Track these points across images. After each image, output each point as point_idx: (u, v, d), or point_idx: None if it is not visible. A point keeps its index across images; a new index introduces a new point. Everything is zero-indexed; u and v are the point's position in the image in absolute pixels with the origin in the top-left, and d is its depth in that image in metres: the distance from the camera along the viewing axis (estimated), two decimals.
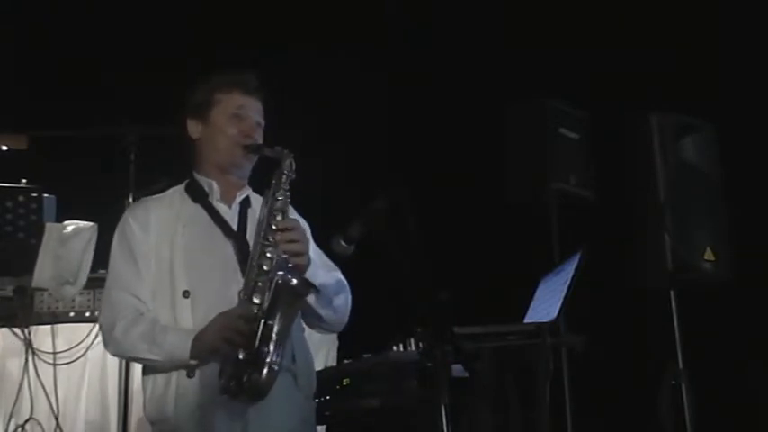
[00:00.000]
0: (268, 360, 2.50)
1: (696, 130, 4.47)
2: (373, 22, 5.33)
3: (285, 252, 2.60)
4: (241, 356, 2.50)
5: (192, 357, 2.57)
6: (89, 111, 4.57)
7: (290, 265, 2.61)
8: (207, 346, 2.55)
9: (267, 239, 2.62)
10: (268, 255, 2.60)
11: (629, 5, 5.06)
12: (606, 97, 4.93)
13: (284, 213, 2.66)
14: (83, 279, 3.78)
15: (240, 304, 2.57)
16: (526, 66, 5.11)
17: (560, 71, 5.06)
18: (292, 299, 2.56)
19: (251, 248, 2.66)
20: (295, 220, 2.71)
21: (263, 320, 2.52)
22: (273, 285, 2.54)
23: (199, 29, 5.20)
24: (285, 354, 2.58)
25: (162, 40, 5.07)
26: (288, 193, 2.69)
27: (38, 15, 5.09)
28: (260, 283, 2.57)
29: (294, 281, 2.55)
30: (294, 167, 2.70)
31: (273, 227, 2.62)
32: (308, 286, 2.59)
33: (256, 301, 2.55)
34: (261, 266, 2.59)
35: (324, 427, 3.70)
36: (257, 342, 2.50)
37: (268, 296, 2.54)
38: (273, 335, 2.51)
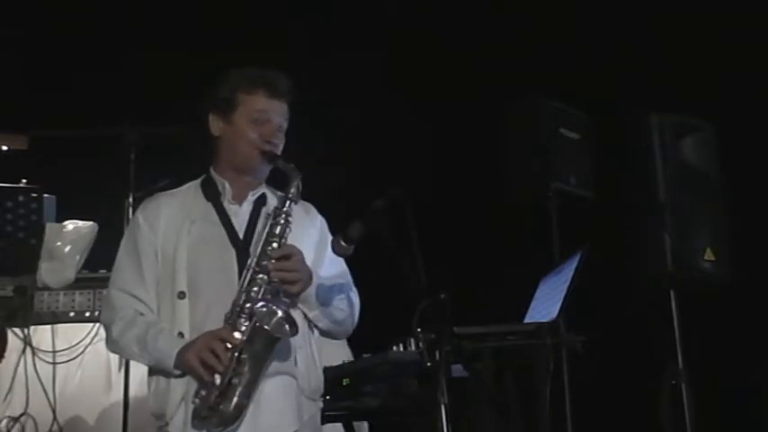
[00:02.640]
0: (237, 393, 2.51)
1: (696, 130, 4.47)
2: (373, 21, 5.33)
3: (278, 280, 2.59)
4: (217, 382, 2.51)
5: (175, 367, 2.58)
6: (89, 111, 4.58)
7: (282, 295, 2.60)
8: (186, 363, 2.56)
9: (259, 266, 2.60)
10: (258, 280, 2.59)
11: (629, 5, 5.06)
12: (606, 97, 4.92)
13: (281, 239, 2.64)
14: (73, 264, 3.80)
15: (225, 327, 2.57)
16: (526, 66, 5.10)
17: (560, 71, 5.06)
18: (267, 341, 2.55)
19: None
20: (293, 246, 2.66)
21: (236, 354, 2.52)
22: (252, 325, 2.53)
23: (199, 29, 5.20)
24: (286, 359, 2.61)
25: (162, 40, 5.07)
26: (289, 219, 2.66)
27: (38, 15, 5.09)
28: (246, 310, 2.57)
29: (273, 321, 2.52)
30: (300, 190, 2.68)
31: (268, 252, 2.61)
32: (287, 327, 2.55)
33: (241, 328, 2.55)
34: (249, 293, 2.59)
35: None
36: (229, 373, 2.51)
37: (248, 330, 2.54)
38: (245, 370, 2.52)
